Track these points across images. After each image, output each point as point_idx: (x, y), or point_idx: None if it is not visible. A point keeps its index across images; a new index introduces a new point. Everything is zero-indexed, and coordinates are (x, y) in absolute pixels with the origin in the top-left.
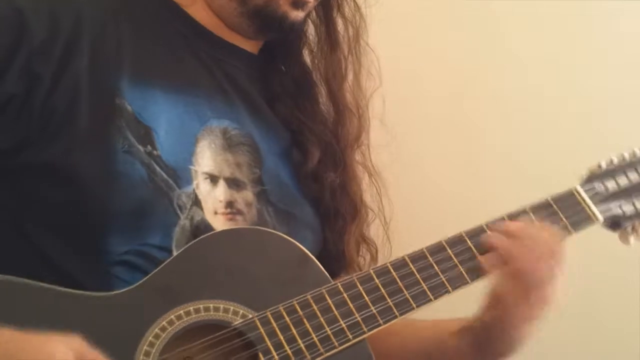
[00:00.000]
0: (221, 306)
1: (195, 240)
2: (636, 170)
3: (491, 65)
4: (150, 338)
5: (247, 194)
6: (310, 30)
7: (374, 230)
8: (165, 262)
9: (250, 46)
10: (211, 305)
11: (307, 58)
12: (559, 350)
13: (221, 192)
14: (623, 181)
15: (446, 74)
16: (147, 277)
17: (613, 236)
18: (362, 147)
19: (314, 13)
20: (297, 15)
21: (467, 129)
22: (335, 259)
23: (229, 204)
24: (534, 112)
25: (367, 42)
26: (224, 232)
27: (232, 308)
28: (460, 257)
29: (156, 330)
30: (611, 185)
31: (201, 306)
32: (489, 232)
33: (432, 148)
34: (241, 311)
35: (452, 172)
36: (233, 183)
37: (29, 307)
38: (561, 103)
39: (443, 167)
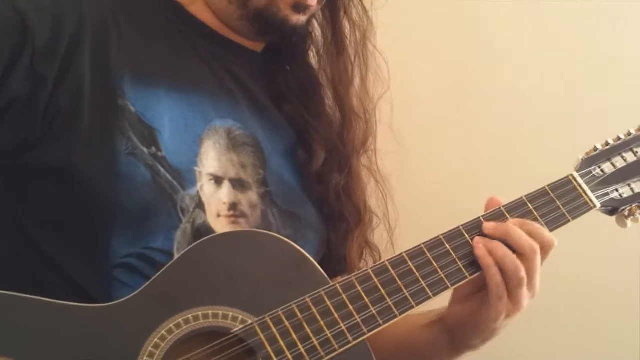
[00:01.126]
0: (220, 312)
1: (192, 245)
2: (632, 150)
3: (500, 70)
4: (150, 348)
5: (252, 195)
6: (317, 31)
7: (378, 236)
8: (163, 269)
9: (253, 45)
10: (210, 312)
11: (313, 60)
12: (560, 351)
13: (225, 193)
14: (619, 162)
15: (454, 80)
16: (145, 284)
17: (613, 236)
18: (368, 152)
19: (320, 15)
20: (299, 19)
21: (474, 136)
22: (337, 261)
23: (233, 206)
24: (545, 118)
25: (375, 46)
26: (220, 236)
27: (231, 314)
28: (458, 252)
29: (156, 340)
30: (607, 167)
31: (200, 313)
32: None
33: (438, 155)
34: (240, 317)
35: (458, 179)
36: (238, 184)
37: (27, 323)
38: (580, 108)
39: (449, 173)
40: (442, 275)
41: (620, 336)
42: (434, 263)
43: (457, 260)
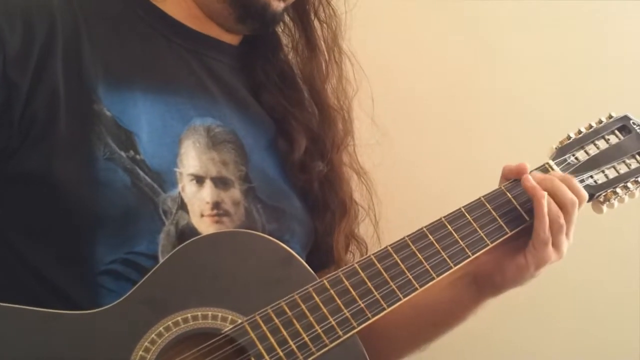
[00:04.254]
0: (209, 313)
1: (177, 248)
2: (604, 137)
3: (480, 63)
4: (141, 352)
5: (235, 192)
6: (290, 29)
7: (364, 229)
8: (150, 273)
9: (229, 39)
10: (199, 314)
11: (289, 56)
12: (560, 350)
13: (208, 193)
14: (592, 150)
15: (435, 73)
16: (133, 289)
17: (612, 235)
18: (348, 148)
19: (291, 12)
20: (278, 5)
21: (456, 127)
22: (324, 252)
23: (216, 205)
24: (524, 110)
25: (347, 45)
26: (205, 238)
27: (220, 314)
28: (442, 242)
29: (146, 344)
30: (581, 155)
31: (189, 315)
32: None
33: (421, 147)
34: (230, 317)
35: (442, 171)
36: (220, 182)
37: (16, 332)
38: (550, 101)
39: (433, 165)
40: (427, 267)
41: (620, 336)
42: (418, 255)
43: (441, 251)
